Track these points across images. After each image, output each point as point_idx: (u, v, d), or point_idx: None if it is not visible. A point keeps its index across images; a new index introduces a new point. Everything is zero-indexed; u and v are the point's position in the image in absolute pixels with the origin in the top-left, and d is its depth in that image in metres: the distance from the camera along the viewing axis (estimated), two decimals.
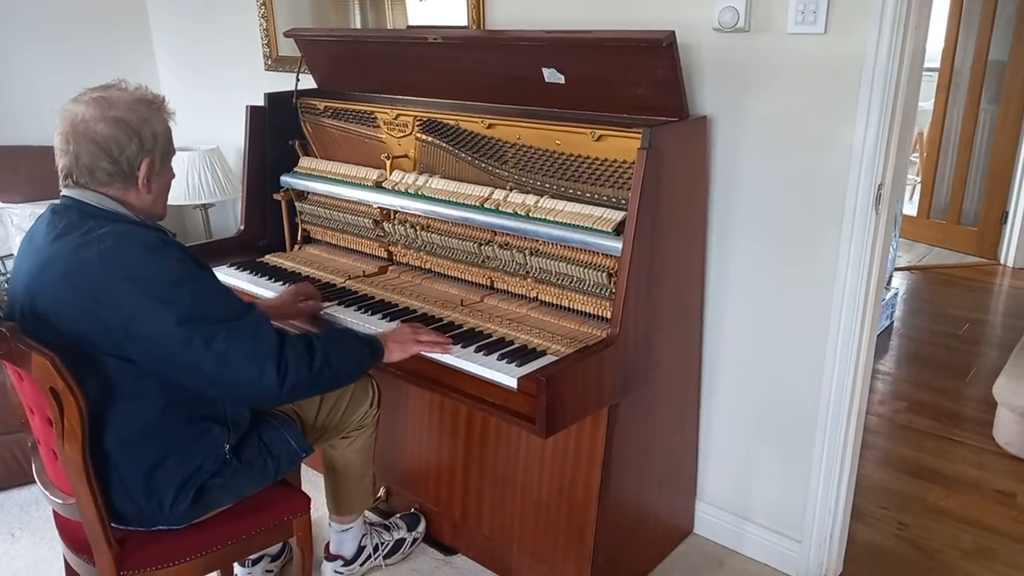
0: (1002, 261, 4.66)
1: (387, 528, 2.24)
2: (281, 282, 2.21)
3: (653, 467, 2.07)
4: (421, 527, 2.29)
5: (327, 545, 2.17)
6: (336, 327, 1.89)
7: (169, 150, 1.59)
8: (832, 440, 2.01)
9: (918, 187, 5.17)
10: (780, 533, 2.19)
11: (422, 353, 1.76)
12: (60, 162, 1.51)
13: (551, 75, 1.90)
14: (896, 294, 3.93)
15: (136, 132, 1.49)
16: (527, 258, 1.95)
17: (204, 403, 1.57)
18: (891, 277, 3.93)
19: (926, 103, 4.91)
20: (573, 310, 1.92)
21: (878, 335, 2.06)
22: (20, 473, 2.57)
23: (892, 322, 3.84)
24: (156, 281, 1.42)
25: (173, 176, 1.65)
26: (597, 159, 1.84)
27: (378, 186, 2.23)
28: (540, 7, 2.18)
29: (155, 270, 1.43)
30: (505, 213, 1.94)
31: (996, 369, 3.03)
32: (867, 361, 1.97)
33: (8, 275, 2.80)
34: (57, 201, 1.54)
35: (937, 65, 4.69)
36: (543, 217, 1.88)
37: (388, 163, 2.23)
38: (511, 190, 1.98)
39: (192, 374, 1.46)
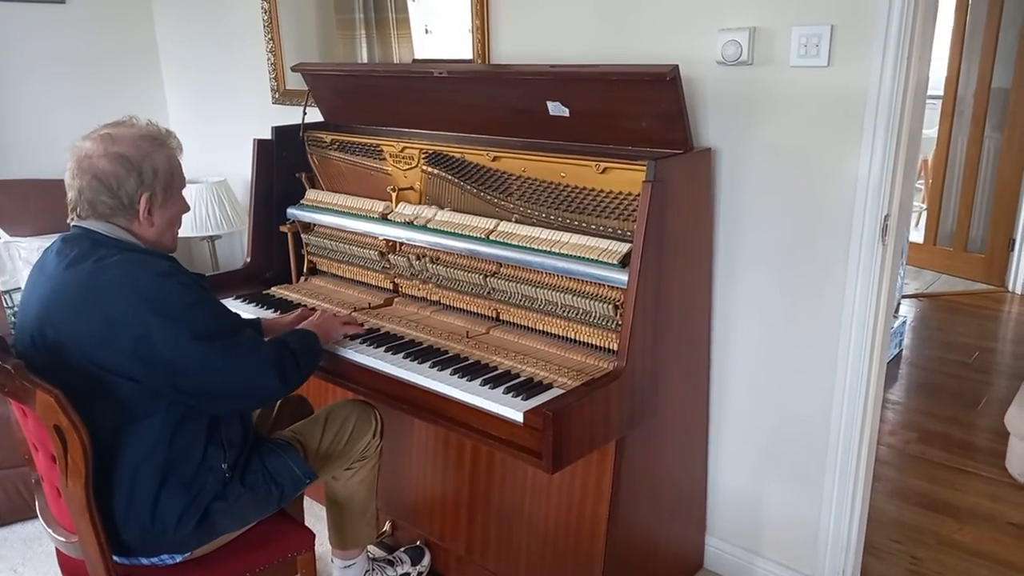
0: (1010, 288, 4.64)
1: (391, 563, 2.21)
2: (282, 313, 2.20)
3: (662, 501, 2.05)
4: (426, 561, 2.26)
5: None
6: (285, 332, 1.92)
7: (171, 184, 1.62)
8: (843, 472, 1.98)
9: (924, 214, 5.16)
10: (791, 568, 2.15)
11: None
12: (68, 195, 1.58)
13: (556, 108, 1.91)
14: (904, 322, 3.90)
15: (136, 167, 1.55)
16: (533, 290, 1.95)
17: (203, 423, 1.59)
18: (899, 305, 3.91)
19: (930, 130, 4.91)
20: (579, 342, 1.91)
21: (887, 364, 2.03)
22: (24, 507, 2.55)
23: (901, 350, 3.81)
24: (171, 304, 1.49)
25: (185, 209, 1.69)
26: (602, 191, 1.84)
27: (384, 218, 2.24)
28: (544, 41, 2.20)
29: (169, 294, 1.49)
30: (511, 245, 1.94)
31: (1007, 398, 3.00)
32: (877, 392, 1.95)
33: (16, 309, 2.81)
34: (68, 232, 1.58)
35: (940, 93, 4.71)
36: (548, 249, 1.88)
37: (394, 195, 2.24)
38: (516, 222, 1.99)
39: (205, 388, 1.53)
